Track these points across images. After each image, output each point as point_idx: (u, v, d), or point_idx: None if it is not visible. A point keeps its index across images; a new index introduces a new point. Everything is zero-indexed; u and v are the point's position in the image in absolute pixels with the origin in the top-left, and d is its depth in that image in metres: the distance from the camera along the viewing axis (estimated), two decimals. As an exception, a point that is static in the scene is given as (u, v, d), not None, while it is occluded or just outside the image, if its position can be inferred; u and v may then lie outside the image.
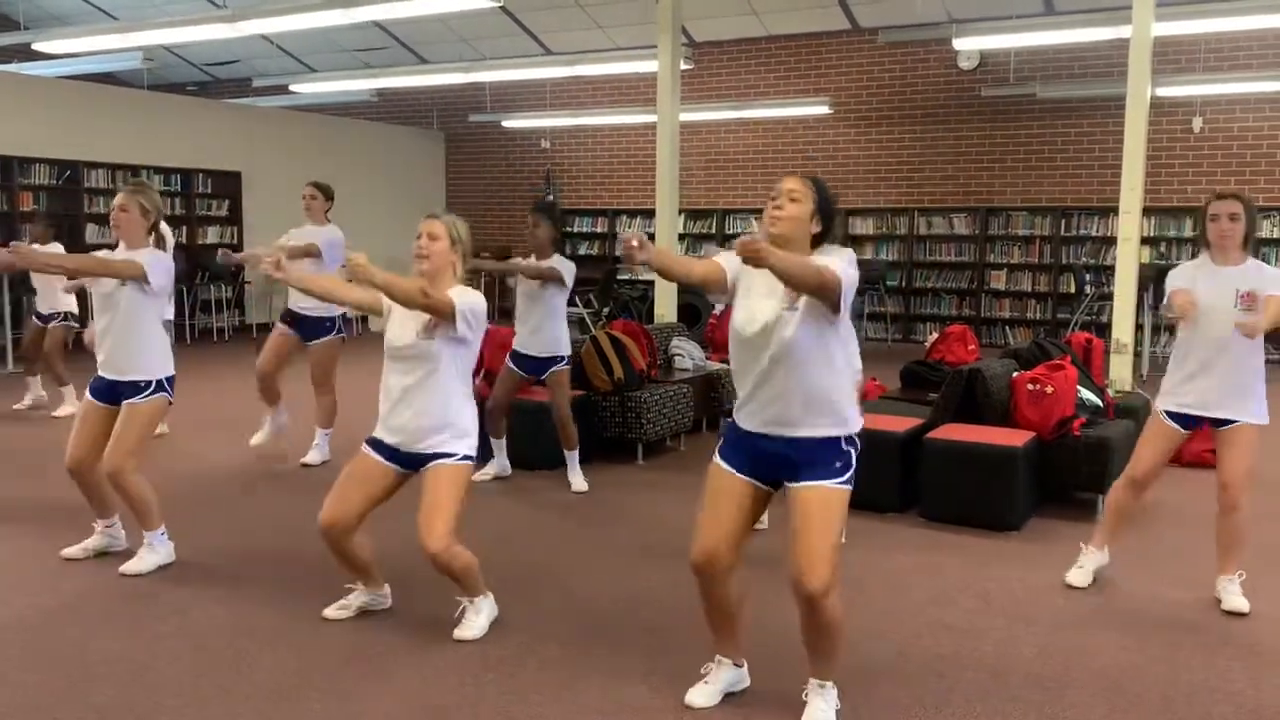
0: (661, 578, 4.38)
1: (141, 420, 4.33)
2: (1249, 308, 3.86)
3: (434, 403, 3.61)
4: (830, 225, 3.01)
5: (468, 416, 3.70)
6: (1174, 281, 4.06)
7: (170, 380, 4.43)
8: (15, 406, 8.18)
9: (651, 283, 11.18)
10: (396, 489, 3.76)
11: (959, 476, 5.19)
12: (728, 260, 3.05)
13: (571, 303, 6.01)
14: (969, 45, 11.64)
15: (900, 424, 5.56)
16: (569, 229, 15.93)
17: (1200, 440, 5.83)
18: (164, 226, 4.92)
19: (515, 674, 3.42)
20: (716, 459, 3.10)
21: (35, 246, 7.88)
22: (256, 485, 5.92)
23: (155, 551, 4.41)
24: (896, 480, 5.37)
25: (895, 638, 3.78)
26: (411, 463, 3.69)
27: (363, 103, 16.53)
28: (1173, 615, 4.03)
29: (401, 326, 3.65)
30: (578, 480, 5.89)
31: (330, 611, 3.90)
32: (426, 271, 3.64)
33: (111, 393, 4.36)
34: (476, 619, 3.76)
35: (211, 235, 13.73)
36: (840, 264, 2.84)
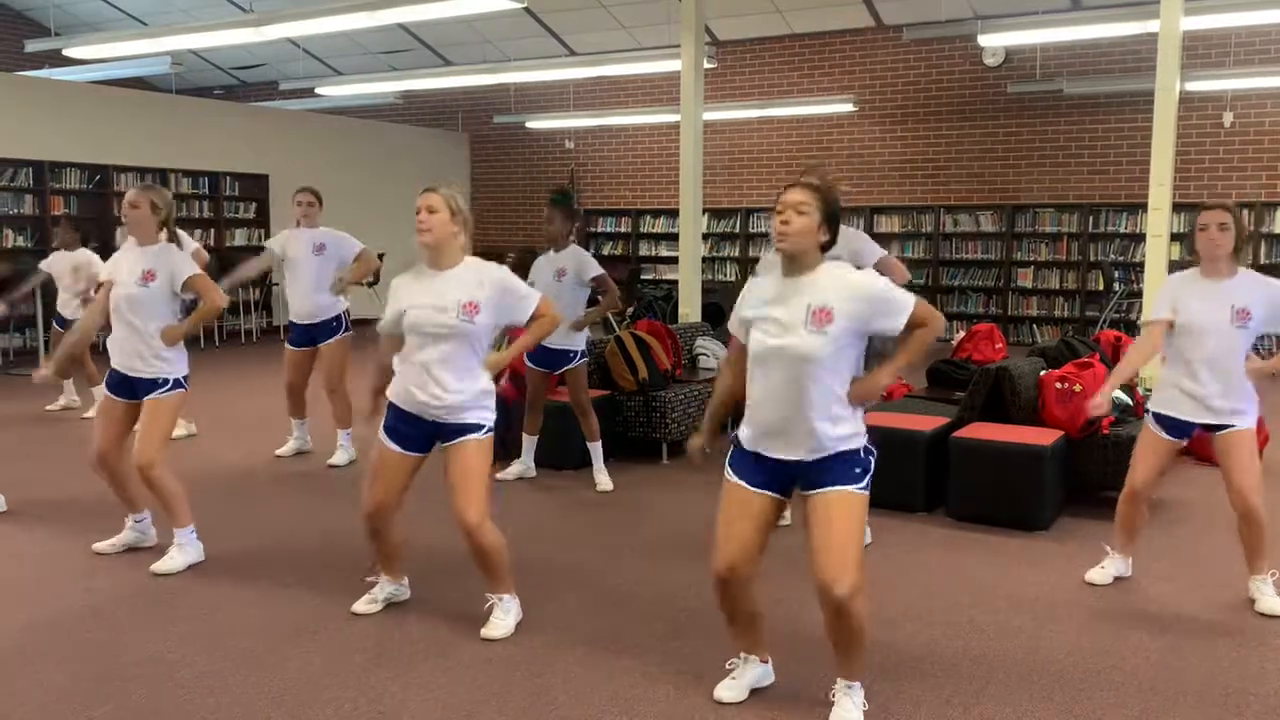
0: (686, 577, 4.38)
1: (165, 414, 4.39)
2: (1243, 325, 3.87)
3: (462, 376, 3.60)
4: (836, 232, 3.00)
5: (486, 379, 3.71)
6: (1158, 309, 4.01)
7: (185, 377, 4.48)
8: (48, 408, 8.28)
9: (675, 282, 11.17)
10: (420, 466, 3.79)
11: (986, 476, 5.15)
12: (737, 325, 3.10)
13: (594, 301, 6.02)
14: (994, 42, 11.56)
15: (927, 423, 5.52)
16: (593, 229, 15.95)
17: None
18: (183, 235, 5.01)
19: (541, 673, 3.43)
20: (729, 473, 3.08)
21: (63, 252, 7.99)
22: (285, 486, 5.97)
23: (185, 551, 4.45)
24: (923, 480, 5.34)
25: (924, 638, 3.75)
26: (430, 438, 3.69)
27: (387, 105, 16.61)
28: (1205, 615, 3.98)
29: (436, 308, 3.58)
30: (603, 479, 5.89)
31: (359, 606, 3.94)
32: (429, 244, 3.61)
33: (128, 388, 4.41)
34: (505, 619, 3.77)
35: (239, 238, 13.84)
36: (899, 290, 2.94)
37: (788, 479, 3.01)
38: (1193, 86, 11.22)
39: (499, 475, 5.92)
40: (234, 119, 14.00)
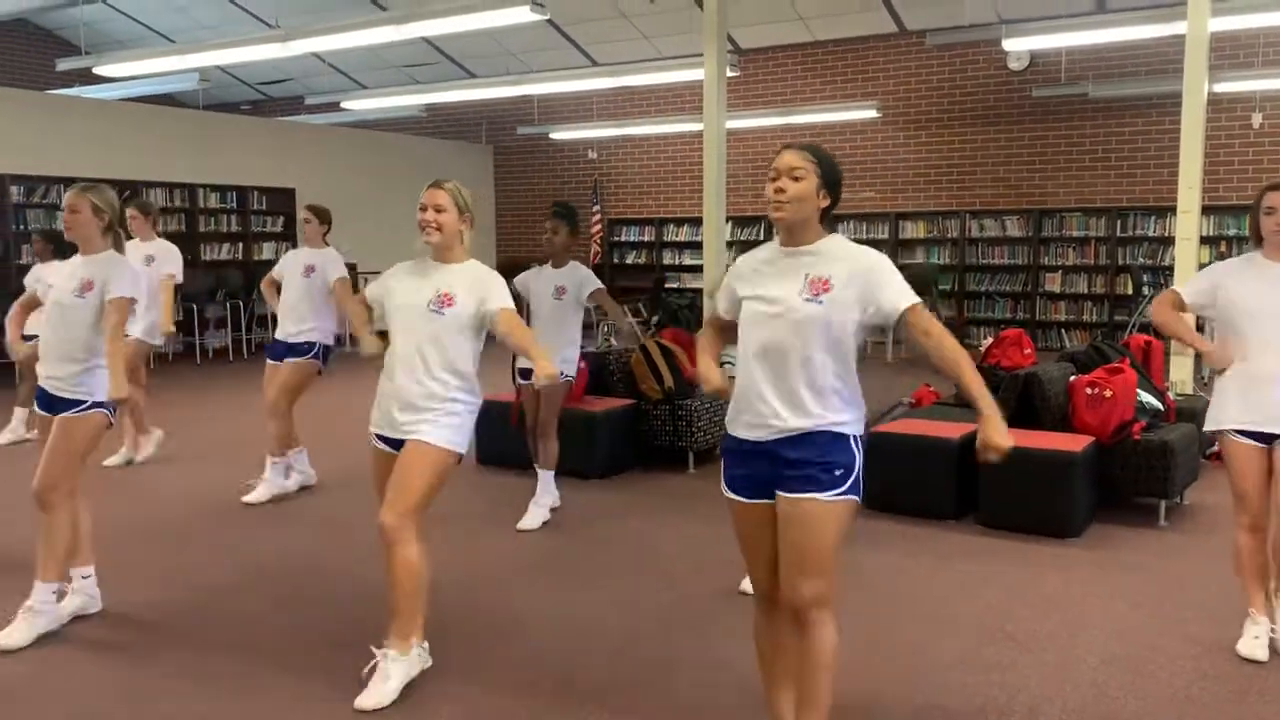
0: (704, 584, 4.37)
1: (79, 437, 3.79)
2: None
3: (437, 367, 3.33)
4: (838, 196, 2.73)
5: (472, 389, 3.43)
6: (1189, 288, 3.80)
7: (111, 404, 3.86)
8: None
9: (700, 291, 11.17)
10: None
11: (1017, 483, 5.10)
12: (723, 298, 2.96)
13: (587, 324, 5.67)
14: (1019, 46, 11.48)
15: (956, 430, 5.48)
16: (616, 238, 15.97)
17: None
18: (169, 246, 4.78)
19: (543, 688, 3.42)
20: (725, 490, 2.94)
21: (39, 264, 7.37)
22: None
23: (36, 614, 3.73)
24: (953, 487, 5.30)
25: (955, 647, 3.72)
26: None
27: (412, 118, 16.72)
28: (1238, 624, 3.89)
29: (417, 293, 3.39)
30: (534, 515, 5.30)
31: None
32: (437, 244, 3.39)
33: (50, 404, 3.85)
34: (384, 684, 3.17)
35: (267, 251, 13.95)
36: (906, 292, 2.66)
37: (771, 473, 2.83)
38: (1221, 88, 11.12)
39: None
40: (261, 134, 14.15)
